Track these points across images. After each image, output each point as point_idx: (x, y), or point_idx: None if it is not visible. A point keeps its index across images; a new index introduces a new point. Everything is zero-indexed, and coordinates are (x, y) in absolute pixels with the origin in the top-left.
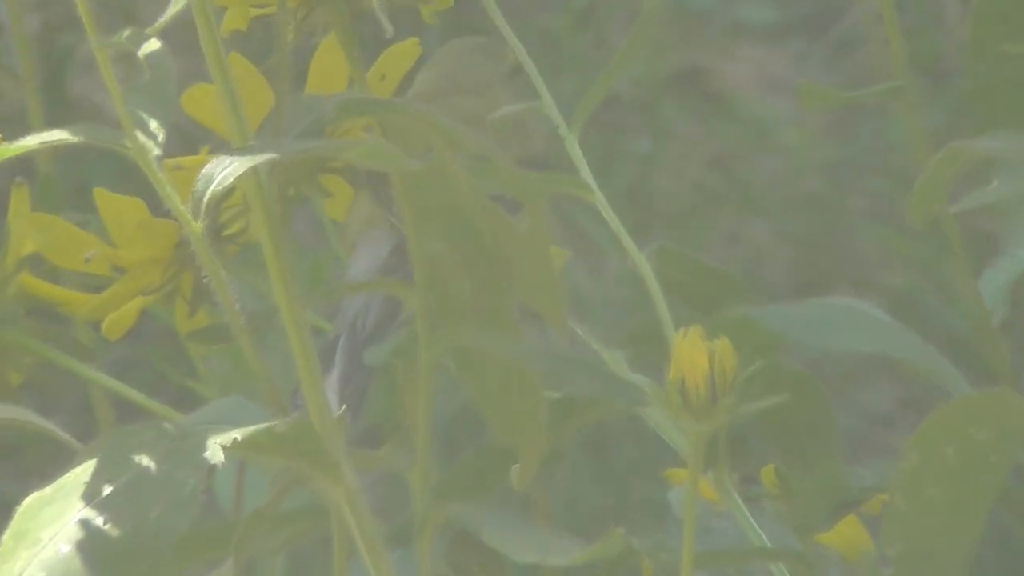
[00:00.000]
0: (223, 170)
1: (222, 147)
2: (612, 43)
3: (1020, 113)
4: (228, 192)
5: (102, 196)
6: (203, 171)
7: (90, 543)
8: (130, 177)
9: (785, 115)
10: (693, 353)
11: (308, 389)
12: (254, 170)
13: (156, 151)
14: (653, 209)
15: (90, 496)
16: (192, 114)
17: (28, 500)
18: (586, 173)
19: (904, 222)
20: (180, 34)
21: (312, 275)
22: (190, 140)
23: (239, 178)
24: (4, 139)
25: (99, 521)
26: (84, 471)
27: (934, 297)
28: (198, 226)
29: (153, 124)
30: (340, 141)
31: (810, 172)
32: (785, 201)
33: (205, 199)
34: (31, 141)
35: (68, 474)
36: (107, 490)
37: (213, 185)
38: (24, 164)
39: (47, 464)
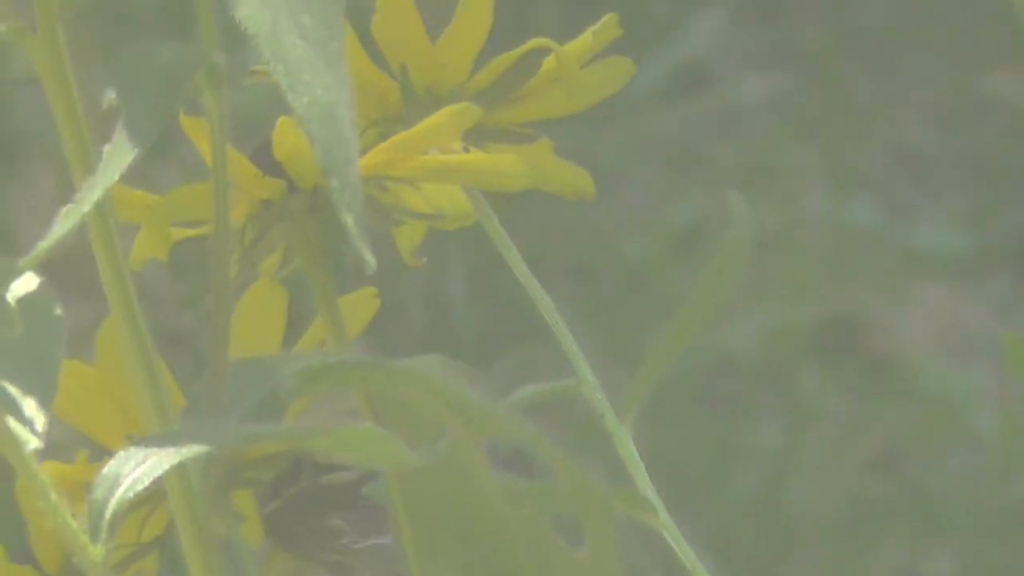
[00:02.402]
0: (134, 468)
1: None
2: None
3: None
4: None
5: None
6: (103, 471)
7: None
8: None
9: (983, 388)
10: None
11: None
12: (181, 467)
13: (35, 443)
14: (785, 532)
15: None
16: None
17: None
18: (645, 483)
19: None
20: (72, 268)
21: None
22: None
23: (157, 480)
24: None
25: None
26: None
27: None
28: (96, 551)
29: (30, 405)
30: (309, 425)
31: (1021, 473)
32: (982, 520)
33: (107, 512)
34: None
35: None
36: None
37: (120, 491)
38: None
39: None
